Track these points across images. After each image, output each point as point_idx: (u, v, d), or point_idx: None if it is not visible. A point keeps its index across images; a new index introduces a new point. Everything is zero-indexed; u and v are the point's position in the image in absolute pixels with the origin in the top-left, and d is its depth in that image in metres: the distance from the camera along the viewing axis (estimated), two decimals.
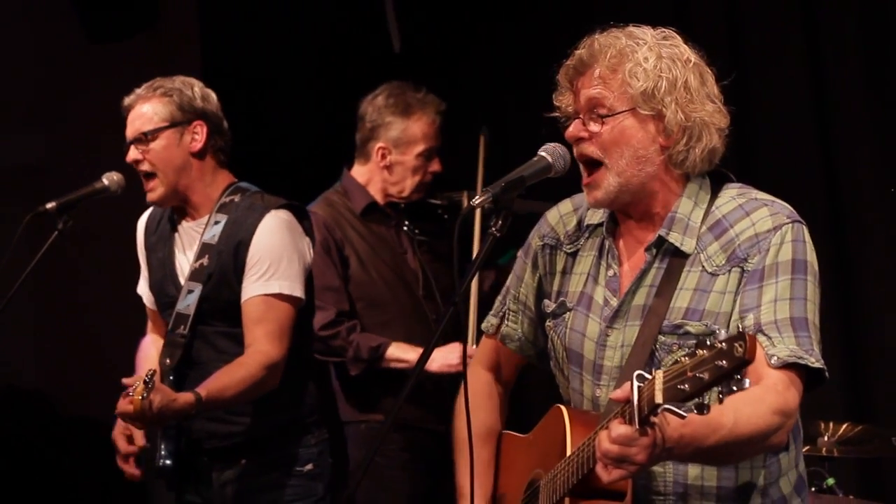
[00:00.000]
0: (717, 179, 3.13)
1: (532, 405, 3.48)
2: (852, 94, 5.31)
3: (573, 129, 3.06)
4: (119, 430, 4.25)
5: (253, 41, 6.88)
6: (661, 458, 2.78)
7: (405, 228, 5.30)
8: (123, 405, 3.97)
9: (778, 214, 3.02)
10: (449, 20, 6.48)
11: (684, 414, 2.63)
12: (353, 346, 5.05)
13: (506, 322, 3.38)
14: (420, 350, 4.93)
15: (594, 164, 3.06)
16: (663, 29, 3.10)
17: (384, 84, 5.35)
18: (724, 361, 2.55)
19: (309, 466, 4.41)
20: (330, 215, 5.18)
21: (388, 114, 5.23)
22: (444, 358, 5.04)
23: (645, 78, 2.99)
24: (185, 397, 4.05)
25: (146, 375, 3.93)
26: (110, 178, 4.39)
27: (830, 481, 4.70)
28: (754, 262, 2.97)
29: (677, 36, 3.09)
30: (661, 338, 3.00)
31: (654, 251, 3.07)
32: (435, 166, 5.27)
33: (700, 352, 2.59)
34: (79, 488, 7.02)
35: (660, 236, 3.06)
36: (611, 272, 3.13)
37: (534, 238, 3.32)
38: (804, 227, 3.03)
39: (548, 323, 3.25)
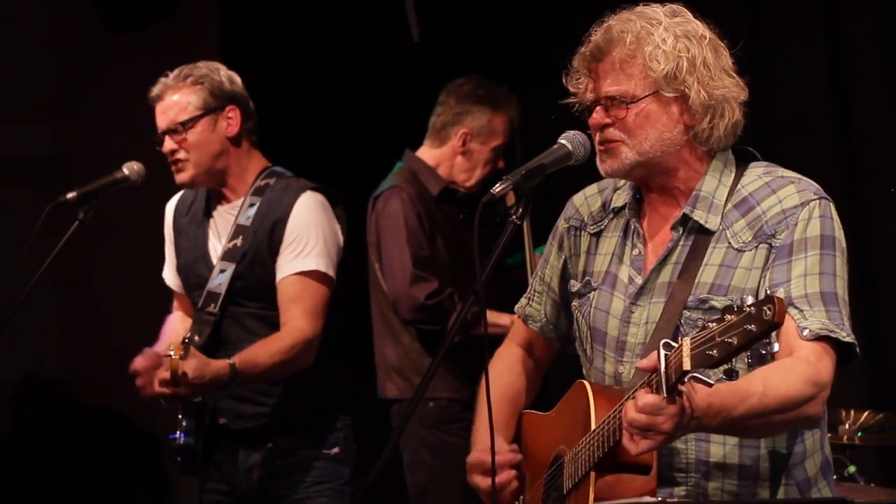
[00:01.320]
0: (742, 157, 3.14)
1: (554, 388, 3.47)
2: (872, 68, 5.27)
3: (597, 116, 3.06)
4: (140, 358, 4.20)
5: (271, 31, 6.88)
6: (690, 429, 2.78)
7: (461, 217, 5.30)
8: (161, 372, 4.01)
9: (805, 191, 3.03)
10: (467, 9, 6.47)
11: (712, 382, 2.64)
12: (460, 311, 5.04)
13: (530, 303, 3.40)
14: (509, 316, 4.95)
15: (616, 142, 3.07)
16: (671, 5, 3.10)
17: (468, 75, 5.40)
18: (753, 325, 2.55)
19: (335, 450, 4.43)
20: (417, 193, 5.20)
21: (476, 102, 5.28)
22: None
23: (665, 60, 2.99)
24: (219, 363, 4.10)
25: (184, 338, 3.99)
26: (131, 168, 4.39)
27: (852, 469, 4.69)
28: (782, 238, 2.98)
29: (686, 11, 3.09)
30: (686, 313, 3.00)
31: (680, 229, 3.08)
32: (501, 163, 5.32)
33: (728, 317, 2.59)
34: (100, 477, 7.05)
35: (684, 214, 3.07)
36: (636, 251, 3.14)
37: (560, 221, 3.34)
38: (831, 204, 3.04)
39: (573, 303, 3.26)
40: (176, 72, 4.40)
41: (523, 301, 3.42)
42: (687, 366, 2.60)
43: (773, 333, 2.60)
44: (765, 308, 2.54)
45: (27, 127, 7.18)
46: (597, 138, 3.07)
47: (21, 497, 6.94)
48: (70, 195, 4.28)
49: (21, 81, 7.05)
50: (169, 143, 4.35)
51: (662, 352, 2.65)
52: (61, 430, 7.14)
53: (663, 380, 2.64)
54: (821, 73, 5.37)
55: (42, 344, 7.16)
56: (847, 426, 4.79)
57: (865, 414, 4.82)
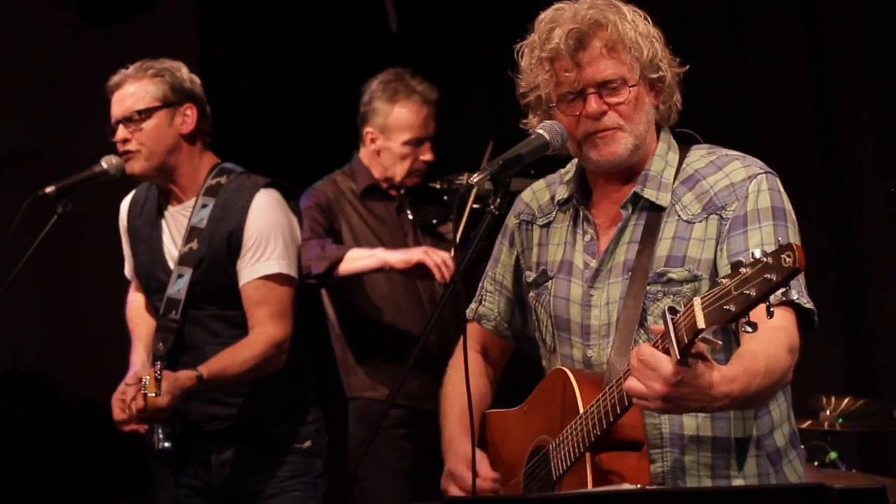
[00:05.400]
0: (684, 141, 3.18)
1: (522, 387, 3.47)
2: (852, 64, 5.30)
3: (594, 105, 3.05)
4: (117, 395, 4.19)
5: (249, 23, 6.87)
6: (708, 409, 2.80)
7: (407, 211, 5.29)
8: (136, 402, 4.01)
9: (751, 166, 3.07)
10: None
11: (719, 342, 2.64)
12: (321, 244, 5.06)
13: (482, 303, 3.40)
14: (382, 252, 5.02)
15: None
16: None
17: (387, 68, 5.33)
18: (773, 275, 2.53)
19: (307, 443, 4.43)
20: (331, 191, 5.23)
21: (376, 99, 5.24)
22: (407, 253, 5.04)
23: (645, 44, 3.04)
24: (186, 375, 4.09)
25: (155, 374, 3.99)
26: (109, 162, 4.37)
27: (833, 455, 4.71)
28: (733, 209, 3.01)
29: None
30: (648, 288, 3.03)
31: (630, 207, 3.10)
32: (426, 155, 5.25)
33: (743, 269, 2.57)
34: (82, 469, 7.04)
35: (635, 192, 3.10)
36: (587, 237, 3.16)
37: (510, 218, 3.35)
38: (777, 178, 3.07)
39: (531, 294, 3.27)
40: (137, 64, 4.37)
41: (473, 305, 3.42)
42: (701, 324, 2.59)
43: (788, 289, 2.58)
44: (783, 256, 2.52)
45: (5, 122, 7.16)
46: (588, 128, 3.06)
47: (2, 490, 6.93)
48: (48, 189, 4.26)
49: (0, 75, 7.03)
50: (122, 132, 4.32)
51: (668, 316, 2.64)
52: (42, 424, 7.12)
53: (674, 342, 2.63)
54: (801, 69, 5.39)
55: (23, 337, 7.15)
56: (828, 413, 4.80)
57: (846, 400, 4.84)
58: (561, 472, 3.05)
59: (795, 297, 2.89)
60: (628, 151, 3.07)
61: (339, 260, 5.02)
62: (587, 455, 2.97)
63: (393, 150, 5.22)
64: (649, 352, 2.71)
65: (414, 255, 5.02)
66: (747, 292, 2.55)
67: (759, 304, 2.56)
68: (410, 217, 5.26)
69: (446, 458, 3.26)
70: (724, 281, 2.59)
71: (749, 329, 2.60)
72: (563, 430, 3.05)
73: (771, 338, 2.86)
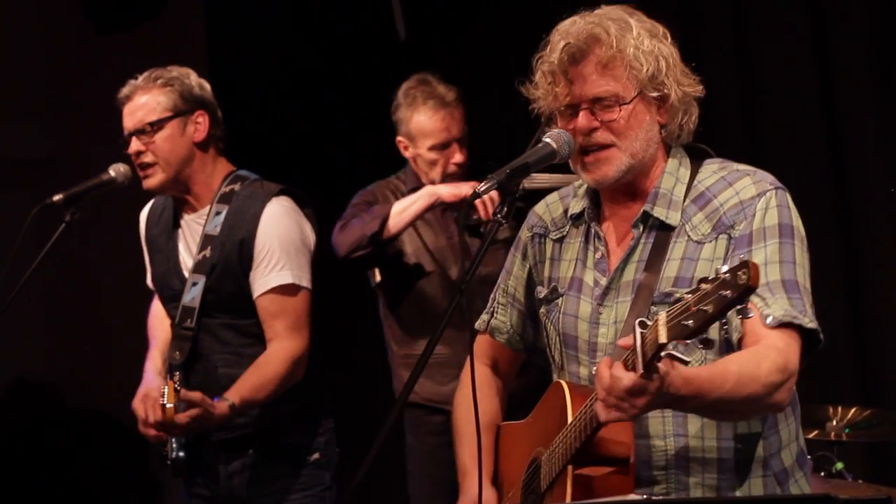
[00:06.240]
0: (696, 155, 3.17)
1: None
2: (856, 69, 5.29)
3: (584, 121, 3.05)
4: (139, 399, 4.22)
5: (258, 31, 6.89)
6: (662, 406, 2.82)
7: (452, 213, 5.28)
8: (154, 415, 4.02)
9: (761, 182, 3.05)
10: (454, 6, 6.47)
11: (688, 359, 2.66)
12: (361, 218, 5.08)
13: (495, 316, 3.40)
14: (430, 187, 5.05)
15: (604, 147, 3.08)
16: (623, 6, 3.11)
17: (414, 74, 5.33)
18: (728, 291, 2.55)
19: (316, 455, 4.42)
20: (381, 192, 5.25)
21: (400, 108, 5.24)
22: (456, 187, 5.04)
23: (647, 61, 3.02)
24: (221, 409, 4.09)
25: (174, 385, 3.99)
26: (117, 170, 4.38)
27: (839, 466, 4.70)
28: (741, 228, 3.00)
29: (636, 10, 3.11)
30: (654, 308, 3.01)
31: (641, 227, 3.10)
32: (455, 157, 5.22)
33: (703, 286, 2.59)
34: (89, 478, 7.05)
35: (644, 211, 3.09)
36: (598, 254, 3.16)
37: (523, 231, 3.35)
38: (787, 193, 3.06)
39: (541, 310, 3.27)
40: (146, 74, 4.38)
41: (485, 317, 3.42)
42: (663, 338, 2.60)
43: (745, 306, 2.58)
44: (739, 273, 2.54)
45: (16, 128, 7.18)
46: (581, 142, 3.06)
47: (11, 499, 6.93)
48: (57, 197, 4.28)
49: (10, 82, 7.05)
50: (136, 145, 4.32)
51: (638, 329, 2.65)
52: (50, 432, 7.14)
53: (640, 357, 2.64)
54: (807, 72, 5.38)
55: (31, 346, 7.16)
56: (834, 423, 4.80)
57: (853, 410, 4.83)
58: (547, 483, 3.06)
59: (768, 314, 2.88)
60: (620, 172, 3.06)
61: (388, 215, 5.01)
62: (569, 468, 2.97)
63: (423, 157, 5.21)
64: (604, 372, 2.73)
65: (462, 189, 5.02)
66: (705, 308, 2.57)
67: (716, 320, 2.58)
68: (455, 217, 5.25)
69: (460, 493, 3.28)
70: (687, 297, 2.61)
71: (703, 346, 2.62)
72: (553, 441, 3.06)
73: (758, 352, 2.86)
